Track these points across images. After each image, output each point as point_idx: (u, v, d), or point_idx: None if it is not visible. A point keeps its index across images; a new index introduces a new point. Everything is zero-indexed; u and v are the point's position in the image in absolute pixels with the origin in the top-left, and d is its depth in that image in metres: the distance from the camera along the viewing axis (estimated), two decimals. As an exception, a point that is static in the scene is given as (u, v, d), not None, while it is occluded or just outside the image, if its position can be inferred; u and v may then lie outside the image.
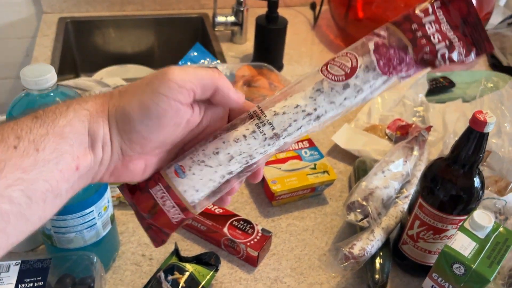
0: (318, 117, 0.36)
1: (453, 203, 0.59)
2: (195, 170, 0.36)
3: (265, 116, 0.36)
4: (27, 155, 0.30)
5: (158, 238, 0.39)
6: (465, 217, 0.59)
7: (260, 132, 0.36)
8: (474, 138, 0.55)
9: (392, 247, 0.69)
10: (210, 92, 0.35)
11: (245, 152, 0.36)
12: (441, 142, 0.88)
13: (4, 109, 1.47)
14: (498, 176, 0.78)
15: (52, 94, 0.49)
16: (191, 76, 0.34)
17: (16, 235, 0.31)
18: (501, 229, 0.55)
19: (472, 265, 0.51)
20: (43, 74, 0.47)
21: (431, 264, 0.65)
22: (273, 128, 0.35)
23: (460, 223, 0.59)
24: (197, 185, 0.36)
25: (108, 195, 0.59)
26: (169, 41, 1.34)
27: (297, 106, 0.35)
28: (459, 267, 0.52)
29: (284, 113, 0.35)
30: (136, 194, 0.38)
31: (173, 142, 0.37)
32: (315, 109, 0.35)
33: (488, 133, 0.54)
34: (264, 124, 0.35)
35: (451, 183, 0.59)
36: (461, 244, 0.53)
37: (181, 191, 0.36)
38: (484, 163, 0.83)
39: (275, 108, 0.36)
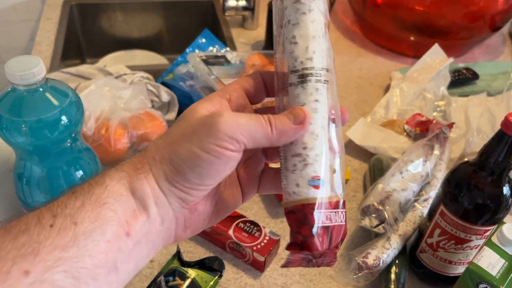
0: (309, 10, 0.34)
1: (478, 212, 0.54)
2: (319, 167, 0.32)
3: (308, 68, 0.33)
4: (65, 231, 0.27)
5: (334, 255, 0.34)
6: (491, 227, 0.54)
7: (321, 82, 0.33)
8: (505, 143, 0.49)
9: (408, 254, 0.65)
10: (262, 146, 0.32)
11: (326, 106, 0.33)
12: (463, 139, 0.83)
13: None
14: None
15: (41, 89, 0.44)
16: (243, 129, 0.30)
17: None
18: (532, 244, 0.50)
19: (501, 286, 0.46)
20: (29, 68, 0.42)
21: (452, 275, 0.60)
22: (327, 70, 0.34)
23: (486, 234, 0.54)
24: (328, 176, 0.33)
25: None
26: (177, 25, 1.29)
27: (307, 31, 0.33)
28: (486, 287, 0.47)
29: (314, 52, 0.33)
30: (309, 245, 0.32)
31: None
32: (309, 10, 0.33)
33: (522, 137, 0.49)
34: (319, 74, 0.33)
35: (477, 190, 0.53)
36: (489, 261, 0.48)
37: (331, 195, 0.33)
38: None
39: (304, 57, 0.33)
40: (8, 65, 0.42)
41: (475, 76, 0.98)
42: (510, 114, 0.49)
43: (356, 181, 0.78)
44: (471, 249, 0.56)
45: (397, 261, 0.62)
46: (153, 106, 0.80)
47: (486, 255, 0.49)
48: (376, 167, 0.75)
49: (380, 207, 0.62)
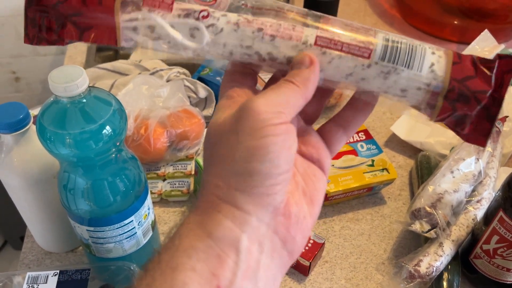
0: None
1: (543, 220, 0.50)
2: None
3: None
4: None
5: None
6: (556, 236, 0.50)
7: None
8: None
9: (460, 258, 0.62)
10: (301, 106, 0.29)
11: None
12: (515, 133, 0.78)
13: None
14: None
15: (84, 100, 0.43)
16: (276, 101, 0.27)
17: None
18: None
19: None
20: (72, 79, 0.41)
21: (509, 282, 0.57)
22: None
23: (550, 242, 0.51)
24: None
25: (149, 202, 0.54)
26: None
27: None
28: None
29: None
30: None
31: None
32: None
33: None
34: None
35: (541, 197, 0.50)
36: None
37: None
38: None
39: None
40: (51, 76, 0.41)
41: (526, 62, 0.92)
42: None
43: (401, 178, 0.75)
44: (532, 257, 0.53)
45: (449, 267, 0.59)
46: (190, 102, 0.78)
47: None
48: (423, 164, 0.72)
49: (432, 211, 0.59)
